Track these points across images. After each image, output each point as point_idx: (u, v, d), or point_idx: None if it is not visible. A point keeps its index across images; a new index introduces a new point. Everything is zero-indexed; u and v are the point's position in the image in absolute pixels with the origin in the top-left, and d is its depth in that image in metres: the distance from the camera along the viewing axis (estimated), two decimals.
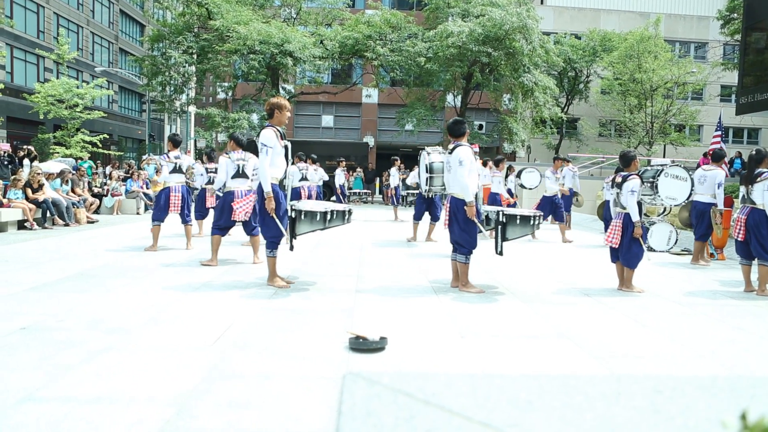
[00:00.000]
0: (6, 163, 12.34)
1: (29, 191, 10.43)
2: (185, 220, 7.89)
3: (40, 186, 10.65)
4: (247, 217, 6.60)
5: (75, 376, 2.89)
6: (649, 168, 7.49)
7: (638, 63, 27.88)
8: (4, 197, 10.10)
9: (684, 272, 7.01)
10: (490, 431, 0.74)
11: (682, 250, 8.77)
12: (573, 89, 31.50)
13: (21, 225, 10.15)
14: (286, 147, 5.28)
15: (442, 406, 0.77)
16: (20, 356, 3.18)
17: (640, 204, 5.53)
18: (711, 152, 16.53)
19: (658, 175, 6.91)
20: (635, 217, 5.42)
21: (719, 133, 15.86)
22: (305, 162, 10.94)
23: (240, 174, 6.67)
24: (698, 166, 21.26)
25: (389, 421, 0.73)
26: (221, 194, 7.03)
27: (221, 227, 6.61)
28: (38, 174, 10.81)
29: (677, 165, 7.13)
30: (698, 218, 7.47)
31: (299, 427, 2.39)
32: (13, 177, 10.68)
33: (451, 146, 5.41)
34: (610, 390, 0.85)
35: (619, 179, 5.72)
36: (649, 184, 6.98)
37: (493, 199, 10.62)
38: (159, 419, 2.41)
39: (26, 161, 12.98)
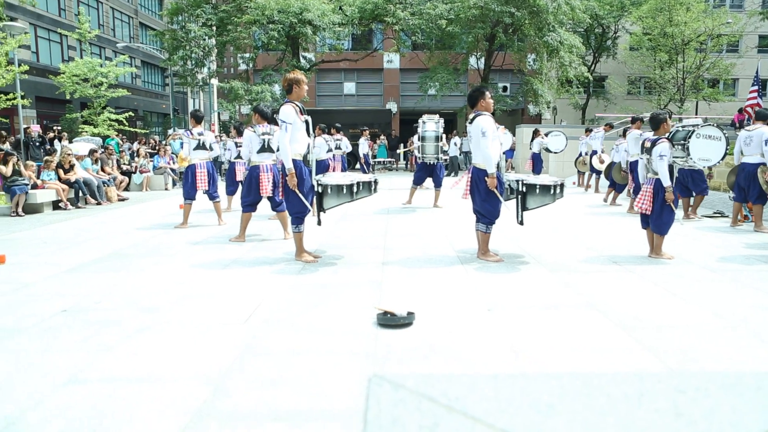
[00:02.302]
0: (38, 144, 12.64)
1: (61, 172, 10.70)
2: (212, 197, 8.00)
3: (72, 166, 10.91)
4: (271, 193, 6.63)
5: (115, 357, 3.01)
6: (680, 129, 7.25)
7: (669, 16, 26.73)
8: (38, 179, 10.38)
9: (716, 237, 6.86)
10: None
11: (715, 213, 8.56)
12: (600, 46, 30.49)
13: (56, 205, 10.46)
14: (306, 122, 5.27)
15: (464, 412, 0.79)
16: (63, 338, 3.33)
17: (671, 168, 5.39)
18: (745, 108, 15.86)
19: (690, 137, 6.70)
20: (666, 182, 5.29)
21: (756, 87, 15.24)
22: (329, 133, 10.89)
23: (266, 148, 6.66)
24: (733, 122, 20.53)
25: (413, 429, 0.75)
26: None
27: (250, 203, 6.68)
28: (69, 155, 11.06)
29: (710, 124, 6.88)
30: (749, 180, 7.05)
31: (330, 403, 2.46)
32: (45, 158, 10.95)
33: (471, 116, 5.33)
34: (632, 390, 0.85)
35: (648, 144, 5.57)
36: (680, 147, 6.78)
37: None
38: (197, 398, 2.51)
39: (56, 142, 13.26)
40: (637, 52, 29.76)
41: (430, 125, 9.59)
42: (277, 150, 6.71)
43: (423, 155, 9.70)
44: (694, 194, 7.99)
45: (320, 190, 5.28)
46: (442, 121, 9.85)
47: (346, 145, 11.54)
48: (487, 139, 5.08)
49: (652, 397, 0.83)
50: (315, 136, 10.14)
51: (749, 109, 15.74)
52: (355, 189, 5.30)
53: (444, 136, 9.94)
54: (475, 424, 0.78)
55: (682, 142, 6.82)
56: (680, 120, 7.58)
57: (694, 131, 6.67)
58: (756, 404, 0.81)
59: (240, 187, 8.36)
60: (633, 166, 8.79)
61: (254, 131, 6.66)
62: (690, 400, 0.82)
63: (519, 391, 0.86)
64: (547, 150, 14.63)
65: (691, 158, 6.76)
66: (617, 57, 31.02)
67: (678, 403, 0.81)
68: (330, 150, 10.72)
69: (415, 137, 10.37)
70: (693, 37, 27.33)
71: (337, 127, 11.60)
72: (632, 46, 29.92)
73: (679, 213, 6.85)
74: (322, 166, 9.94)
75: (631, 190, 8.97)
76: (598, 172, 12.53)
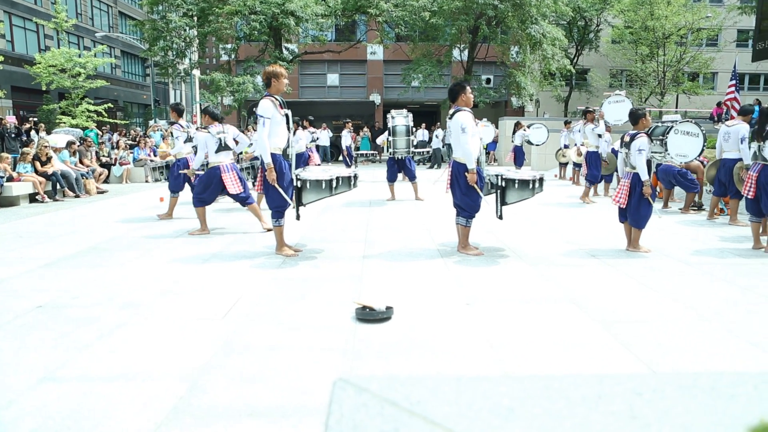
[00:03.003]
0: (14, 135, 12.39)
1: (38, 164, 10.50)
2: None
3: (49, 159, 10.71)
4: (239, 190, 6.62)
5: (92, 354, 2.99)
6: (659, 125, 7.34)
7: (650, 9, 27.02)
8: (14, 171, 10.18)
9: (693, 230, 6.98)
10: None
11: (692, 206, 8.70)
12: (583, 39, 30.67)
13: (33, 198, 10.28)
14: (286, 115, 5.24)
15: (425, 417, 0.80)
16: (39, 335, 3.29)
17: (649, 162, 5.46)
18: (725, 102, 16.13)
19: (668, 132, 6.78)
20: (644, 176, 5.36)
21: (734, 82, 15.46)
22: (303, 127, 10.87)
23: (223, 147, 6.60)
24: (711, 116, 20.83)
25: None
26: (200, 172, 6.99)
27: (204, 200, 6.64)
28: (45, 147, 10.86)
29: (688, 121, 6.97)
30: (729, 176, 7.08)
31: (307, 399, 2.47)
32: (22, 151, 10.74)
33: (451, 111, 5.34)
34: (591, 393, 0.87)
35: (627, 138, 5.64)
36: (658, 142, 6.86)
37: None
38: (173, 395, 2.50)
39: (33, 133, 13.01)
40: (618, 45, 30.02)
41: (400, 119, 9.56)
42: (250, 145, 6.68)
43: (394, 150, 9.64)
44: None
45: (299, 185, 5.26)
46: (411, 115, 9.83)
47: (321, 138, 11.55)
48: (466, 135, 5.09)
49: (609, 399, 0.85)
50: (294, 130, 10.12)
51: (728, 103, 15.99)
52: (334, 184, 5.29)
53: (414, 129, 9.97)
54: (434, 429, 0.79)
55: (661, 137, 6.90)
56: (660, 114, 7.69)
57: (672, 127, 6.75)
58: (708, 406, 0.83)
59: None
60: (588, 156, 9.54)
61: (209, 132, 6.58)
62: (646, 402, 0.84)
63: (480, 394, 0.87)
64: (529, 142, 14.72)
65: (668, 153, 6.85)
66: (599, 50, 31.24)
67: (633, 406, 0.83)
68: (312, 141, 10.78)
69: (385, 133, 10.32)
70: (673, 31, 27.66)
71: (310, 120, 11.55)
72: (614, 39, 30.16)
73: (657, 205, 6.98)
74: (302, 159, 9.92)
75: (586, 177, 9.71)
76: (579, 165, 12.67)
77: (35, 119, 14.80)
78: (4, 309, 3.80)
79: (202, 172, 6.80)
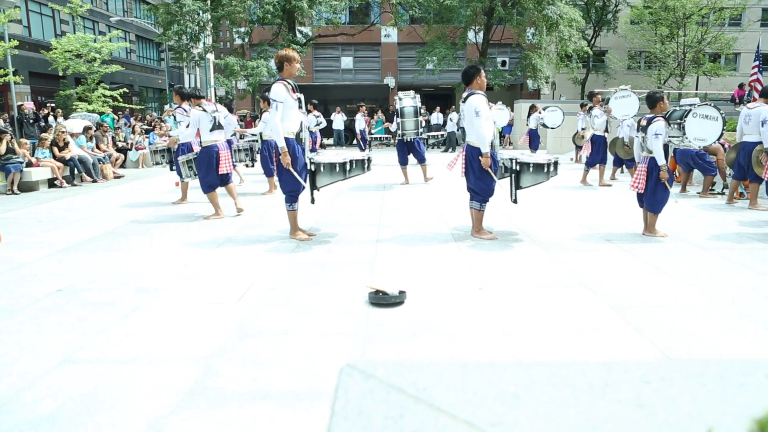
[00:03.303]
0: (32, 121, 12.54)
1: (56, 150, 10.64)
2: None
3: (66, 144, 10.84)
4: (230, 170, 6.66)
5: (109, 338, 3.04)
6: (677, 109, 7.19)
7: None
8: (32, 156, 10.33)
9: (711, 214, 6.87)
10: (473, 431, 0.77)
11: (711, 189, 8.56)
12: (600, 20, 30.06)
13: (51, 183, 10.43)
14: (299, 99, 5.23)
15: (431, 404, 0.80)
16: (57, 318, 3.35)
17: (666, 147, 5.37)
18: (750, 83, 15.74)
19: (686, 116, 6.64)
20: (660, 160, 5.28)
21: (757, 63, 15.08)
22: (307, 111, 10.90)
23: (217, 126, 6.57)
24: (732, 98, 20.37)
25: (379, 421, 0.76)
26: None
27: (211, 184, 6.63)
28: (63, 132, 10.98)
29: (707, 104, 6.81)
30: (749, 159, 6.92)
31: (320, 383, 2.50)
32: (41, 136, 10.88)
33: (464, 95, 5.28)
34: (598, 380, 0.86)
35: (644, 122, 5.54)
36: (676, 126, 6.72)
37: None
38: (188, 378, 2.54)
39: (51, 119, 13.15)
40: (637, 26, 29.37)
41: (407, 101, 9.39)
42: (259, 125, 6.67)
43: (403, 132, 9.52)
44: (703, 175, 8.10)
45: (313, 169, 5.27)
46: (418, 96, 9.70)
47: (322, 121, 11.54)
48: (480, 119, 5.05)
49: (616, 387, 0.84)
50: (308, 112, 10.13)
51: (751, 84, 15.62)
52: (347, 167, 5.29)
53: (423, 109, 9.84)
54: (439, 415, 0.79)
55: (679, 121, 6.76)
56: (679, 96, 7.57)
57: (690, 110, 6.61)
58: (716, 394, 0.82)
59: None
60: (594, 138, 9.41)
61: (204, 110, 6.52)
62: (654, 390, 0.83)
63: (486, 381, 0.87)
64: (544, 125, 14.55)
65: (686, 138, 6.72)
66: (617, 31, 30.61)
67: (641, 394, 0.82)
68: (317, 125, 10.86)
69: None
70: (695, 11, 26.96)
71: (314, 104, 11.52)
72: (633, 20, 29.51)
73: (675, 189, 6.89)
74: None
75: (585, 162, 9.72)
76: None
77: (53, 105, 14.95)
78: (24, 293, 3.88)
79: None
